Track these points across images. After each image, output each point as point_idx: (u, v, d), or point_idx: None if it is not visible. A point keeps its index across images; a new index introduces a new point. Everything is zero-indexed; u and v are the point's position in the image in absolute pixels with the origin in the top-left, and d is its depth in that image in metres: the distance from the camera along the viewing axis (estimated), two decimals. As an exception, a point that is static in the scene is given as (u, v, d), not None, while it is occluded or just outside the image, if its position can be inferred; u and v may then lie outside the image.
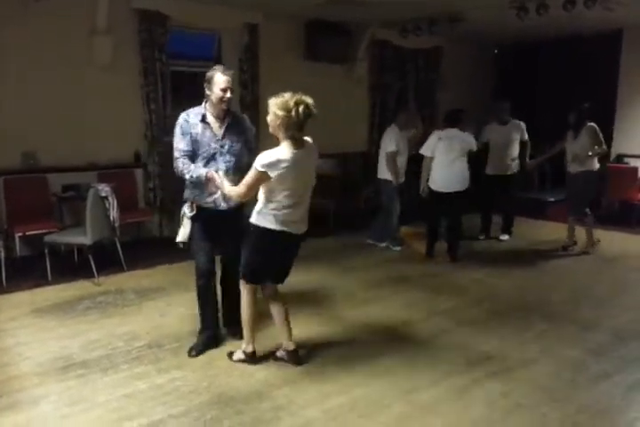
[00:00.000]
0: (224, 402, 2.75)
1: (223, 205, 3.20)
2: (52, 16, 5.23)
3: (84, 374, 3.03)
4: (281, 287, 3.19)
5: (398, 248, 5.83)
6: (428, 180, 5.33)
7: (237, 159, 3.22)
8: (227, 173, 3.13)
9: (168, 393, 2.84)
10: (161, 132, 5.97)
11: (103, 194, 4.71)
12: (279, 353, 3.21)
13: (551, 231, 6.45)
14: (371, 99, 8.04)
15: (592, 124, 5.35)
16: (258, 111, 6.61)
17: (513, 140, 5.93)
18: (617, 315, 3.94)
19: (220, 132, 3.18)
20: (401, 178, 5.67)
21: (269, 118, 2.86)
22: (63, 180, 5.32)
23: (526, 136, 6.00)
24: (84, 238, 4.48)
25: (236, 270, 3.15)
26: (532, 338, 3.54)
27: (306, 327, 3.63)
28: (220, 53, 6.68)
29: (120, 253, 4.97)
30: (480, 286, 4.65)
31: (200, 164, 3.16)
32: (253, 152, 3.15)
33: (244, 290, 3.09)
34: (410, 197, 6.35)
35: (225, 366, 3.13)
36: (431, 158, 5.21)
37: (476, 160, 5.73)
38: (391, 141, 5.55)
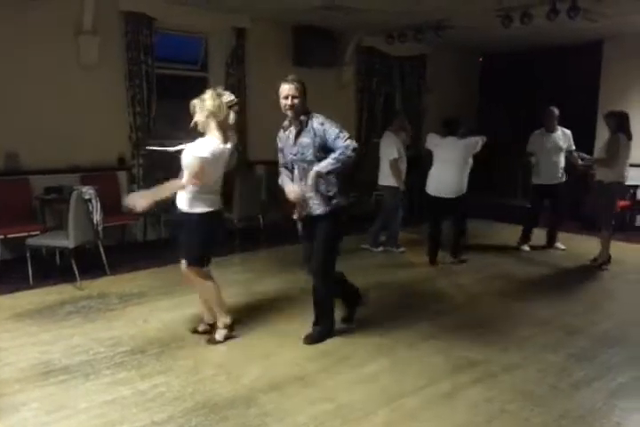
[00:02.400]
0: (209, 408, 2.72)
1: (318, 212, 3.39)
2: (37, 15, 5.18)
3: (65, 380, 2.98)
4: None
5: (402, 249, 5.93)
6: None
7: (308, 165, 3.28)
8: (300, 180, 3.34)
9: (151, 399, 2.80)
10: (145, 136, 5.93)
11: (87, 197, 4.65)
12: (201, 327, 3.58)
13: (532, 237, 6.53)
14: (357, 104, 8.09)
15: (620, 134, 5.11)
16: (245, 114, 6.61)
17: (560, 149, 5.73)
18: (600, 321, 3.99)
19: (292, 139, 3.36)
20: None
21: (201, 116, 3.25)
22: (46, 182, 5.26)
23: (573, 145, 5.78)
24: (66, 242, 4.42)
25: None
26: (516, 344, 3.57)
27: (290, 332, 3.62)
28: (206, 57, 6.67)
29: (103, 256, 4.90)
30: (466, 291, 4.68)
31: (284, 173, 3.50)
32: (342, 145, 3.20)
33: (200, 277, 3.39)
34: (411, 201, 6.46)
35: (210, 372, 3.10)
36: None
37: (523, 169, 5.73)
38: (392, 148, 5.67)
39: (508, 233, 6.64)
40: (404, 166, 5.77)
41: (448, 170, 5.18)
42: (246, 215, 6.19)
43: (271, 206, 6.63)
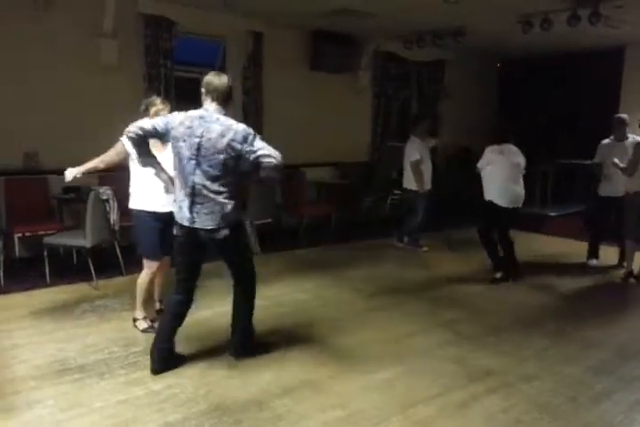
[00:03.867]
0: (222, 410, 2.72)
1: None
2: (58, 17, 5.25)
3: (80, 379, 3.00)
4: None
5: (424, 249, 6.02)
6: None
7: None
8: None
9: (165, 400, 2.80)
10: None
11: (104, 197, 4.67)
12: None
13: (550, 246, 6.46)
14: (373, 109, 8.09)
15: None
16: (261, 119, 6.65)
17: (628, 159, 5.11)
18: (619, 334, 3.91)
19: None
20: (426, 186, 5.90)
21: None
22: (64, 182, 5.28)
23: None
24: (83, 241, 4.46)
25: None
26: (533, 354, 3.51)
27: (301, 336, 3.61)
28: (224, 61, 6.71)
29: (119, 256, 4.94)
30: (482, 299, 4.63)
31: None
32: None
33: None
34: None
35: (223, 374, 3.10)
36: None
37: (590, 180, 5.57)
38: (414, 151, 5.78)
39: (530, 242, 6.57)
40: (426, 169, 5.83)
41: (511, 176, 4.94)
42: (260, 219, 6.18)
43: (285, 210, 6.64)
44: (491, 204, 4.94)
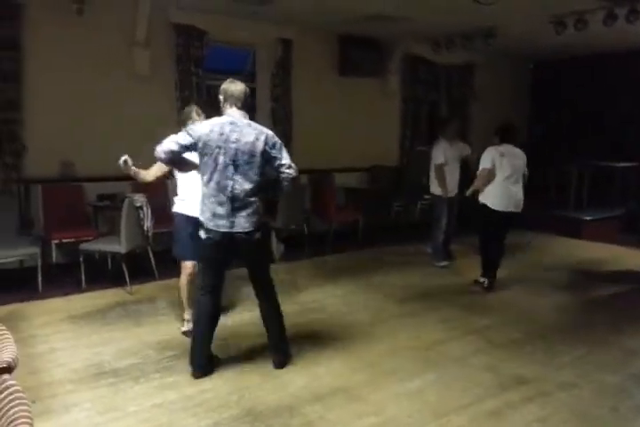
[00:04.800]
0: (254, 416, 2.72)
1: None
2: (92, 28, 5.39)
3: (115, 383, 3.05)
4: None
5: (442, 264, 5.65)
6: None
7: None
8: None
9: (198, 405, 2.83)
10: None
11: (138, 204, 4.77)
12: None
13: (587, 251, 6.29)
14: (402, 113, 8.03)
15: None
16: (290, 125, 6.68)
17: None
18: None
19: None
20: (451, 191, 5.54)
21: None
22: (99, 189, 5.43)
23: None
24: (118, 247, 4.55)
25: None
26: (571, 362, 3.41)
27: (333, 342, 3.60)
28: (253, 68, 6.78)
29: (153, 262, 5.03)
30: (516, 305, 4.53)
31: None
32: None
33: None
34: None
35: (256, 379, 3.11)
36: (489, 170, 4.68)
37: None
38: (439, 153, 5.49)
39: (566, 247, 6.42)
40: (451, 174, 5.55)
41: (513, 180, 4.73)
42: (290, 224, 6.20)
43: (315, 215, 6.65)
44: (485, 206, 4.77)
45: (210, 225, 3.01)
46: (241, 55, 6.81)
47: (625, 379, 3.17)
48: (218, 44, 6.27)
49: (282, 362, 3.28)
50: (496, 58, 8.41)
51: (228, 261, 3.19)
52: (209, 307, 3.15)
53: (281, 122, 6.63)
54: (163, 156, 2.96)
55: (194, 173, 3.23)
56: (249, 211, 2.99)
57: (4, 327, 1.65)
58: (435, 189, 5.64)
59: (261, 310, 3.31)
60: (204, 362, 3.17)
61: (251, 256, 3.18)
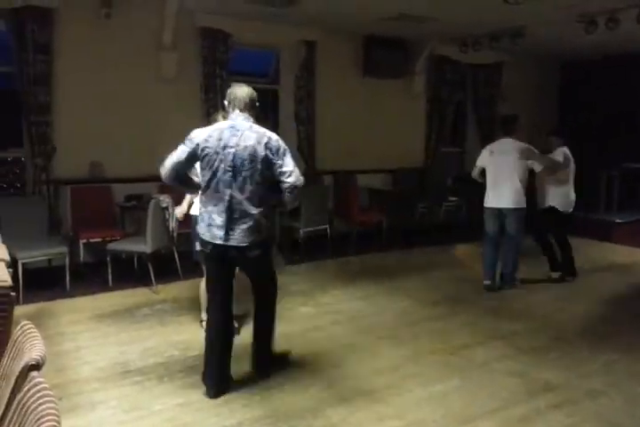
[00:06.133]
0: (276, 417, 2.72)
1: None
2: (121, 32, 5.49)
3: (140, 381, 3.08)
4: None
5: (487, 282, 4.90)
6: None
7: None
8: None
9: (221, 405, 2.84)
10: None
11: (164, 205, 4.83)
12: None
13: (617, 254, 6.13)
14: (427, 114, 7.97)
15: None
16: (314, 127, 6.68)
17: None
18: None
19: None
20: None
21: None
22: (126, 190, 5.52)
23: None
24: (144, 247, 4.62)
25: None
26: (600, 369, 3.33)
27: (356, 345, 3.58)
28: (277, 70, 6.81)
29: (177, 262, 5.09)
30: (544, 310, 4.44)
31: None
32: None
33: None
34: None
35: (279, 381, 3.11)
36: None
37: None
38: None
39: (597, 250, 6.28)
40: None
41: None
42: (313, 225, 6.20)
43: (338, 216, 6.64)
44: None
45: (206, 236, 2.84)
46: (265, 57, 6.85)
47: (657, 387, 3.08)
48: (242, 47, 6.32)
49: (261, 371, 3.16)
50: (525, 57, 8.28)
51: (230, 273, 3.01)
52: (219, 324, 2.97)
53: (304, 123, 6.64)
54: (168, 181, 2.89)
55: None
56: (248, 224, 2.78)
57: (32, 325, 1.67)
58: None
59: (255, 319, 3.18)
60: (215, 382, 2.93)
61: (249, 271, 3.07)
